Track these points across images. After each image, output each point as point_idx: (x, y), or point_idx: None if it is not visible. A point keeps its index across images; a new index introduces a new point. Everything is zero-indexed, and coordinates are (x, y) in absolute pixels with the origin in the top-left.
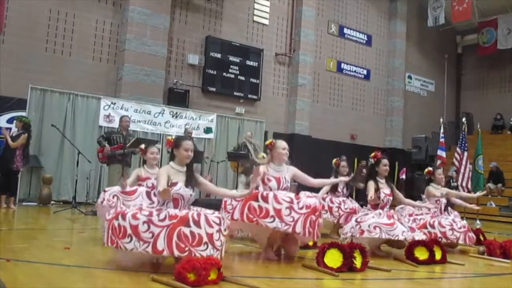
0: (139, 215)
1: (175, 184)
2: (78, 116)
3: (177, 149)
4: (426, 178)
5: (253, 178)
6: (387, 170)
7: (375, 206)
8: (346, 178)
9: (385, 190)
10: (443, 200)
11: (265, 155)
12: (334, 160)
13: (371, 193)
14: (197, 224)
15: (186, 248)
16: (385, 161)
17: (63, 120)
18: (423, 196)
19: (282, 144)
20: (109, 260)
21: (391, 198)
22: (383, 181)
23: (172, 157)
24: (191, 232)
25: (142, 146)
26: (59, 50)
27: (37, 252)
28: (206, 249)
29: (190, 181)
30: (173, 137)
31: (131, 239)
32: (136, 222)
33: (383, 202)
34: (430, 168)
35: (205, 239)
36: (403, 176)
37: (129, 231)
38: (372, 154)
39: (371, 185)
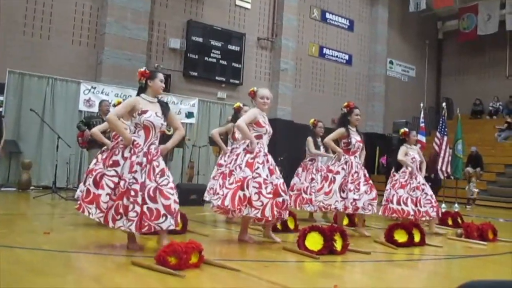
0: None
1: (145, 112)
2: (57, 101)
3: (153, 79)
4: (400, 139)
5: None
6: (358, 120)
7: (347, 151)
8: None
9: (356, 136)
10: (418, 158)
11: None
12: (312, 120)
13: (338, 151)
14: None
15: None
16: (357, 110)
17: (42, 105)
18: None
19: (261, 93)
20: (89, 245)
21: (361, 144)
22: (354, 129)
23: (144, 89)
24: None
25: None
26: (38, 34)
27: (17, 237)
28: None
29: (164, 109)
30: (146, 69)
31: None
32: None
33: (355, 148)
34: (406, 129)
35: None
36: (384, 162)
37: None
38: (345, 104)
39: (338, 130)
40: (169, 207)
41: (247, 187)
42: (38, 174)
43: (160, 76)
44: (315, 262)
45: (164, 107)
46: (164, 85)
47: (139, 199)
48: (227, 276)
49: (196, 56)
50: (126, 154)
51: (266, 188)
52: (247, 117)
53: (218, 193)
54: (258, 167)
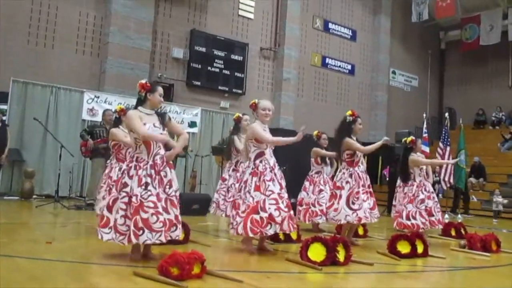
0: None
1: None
2: (61, 110)
3: (153, 93)
4: (408, 147)
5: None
6: (361, 129)
7: (351, 163)
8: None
9: (357, 146)
10: (425, 167)
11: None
12: (315, 132)
13: (360, 146)
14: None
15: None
16: (360, 120)
17: (46, 114)
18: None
19: (263, 104)
20: (91, 254)
21: (362, 153)
22: (354, 139)
23: (142, 102)
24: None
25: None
26: (42, 43)
27: (18, 246)
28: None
29: (163, 119)
30: (147, 81)
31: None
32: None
33: (358, 157)
34: (413, 137)
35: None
36: (386, 173)
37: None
38: (350, 112)
39: (355, 142)
40: (177, 217)
41: (262, 210)
42: (40, 183)
43: (160, 90)
44: (318, 273)
45: (162, 117)
46: (162, 99)
47: (160, 209)
48: (229, 287)
49: (199, 66)
50: (132, 172)
51: (282, 202)
52: (259, 130)
53: (232, 223)
54: (268, 186)
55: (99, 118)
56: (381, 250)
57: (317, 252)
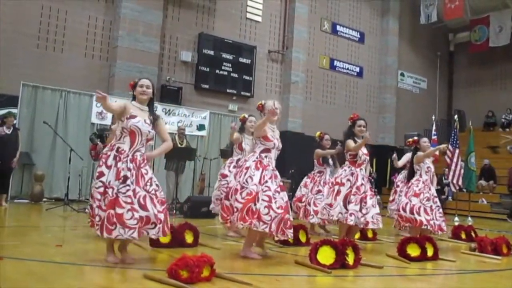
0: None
1: (133, 116)
2: (70, 113)
3: (135, 87)
4: (412, 148)
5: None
6: (361, 131)
7: (353, 163)
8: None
9: (363, 149)
10: (432, 168)
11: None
12: (318, 133)
13: (353, 145)
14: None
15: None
16: (360, 122)
17: (55, 117)
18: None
19: (269, 103)
20: (101, 257)
21: (368, 157)
22: (360, 141)
23: (133, 98)
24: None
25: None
26: (51, 47)
27: (28, 249)
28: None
29: (152, 116)
30: (135, 80)
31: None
32: None
33: (361, 160)
34: (415, 137)
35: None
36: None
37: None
38: (350, 116)
39: (351, 141)
40: (156, 216)
41: (258, 201)
42: (50, 186)
43: (141, 81)
44: (327, 276)
45: (154, 117)
46: (145, 90)
47: (136, 206)
48: None
49: (207, 69)
50: (110, 162)
51: (275, 202)
52: (259, 121)
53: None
54: (266, 181)
55: (108, 122)
56: (391, 253)
57: (326, 255)
